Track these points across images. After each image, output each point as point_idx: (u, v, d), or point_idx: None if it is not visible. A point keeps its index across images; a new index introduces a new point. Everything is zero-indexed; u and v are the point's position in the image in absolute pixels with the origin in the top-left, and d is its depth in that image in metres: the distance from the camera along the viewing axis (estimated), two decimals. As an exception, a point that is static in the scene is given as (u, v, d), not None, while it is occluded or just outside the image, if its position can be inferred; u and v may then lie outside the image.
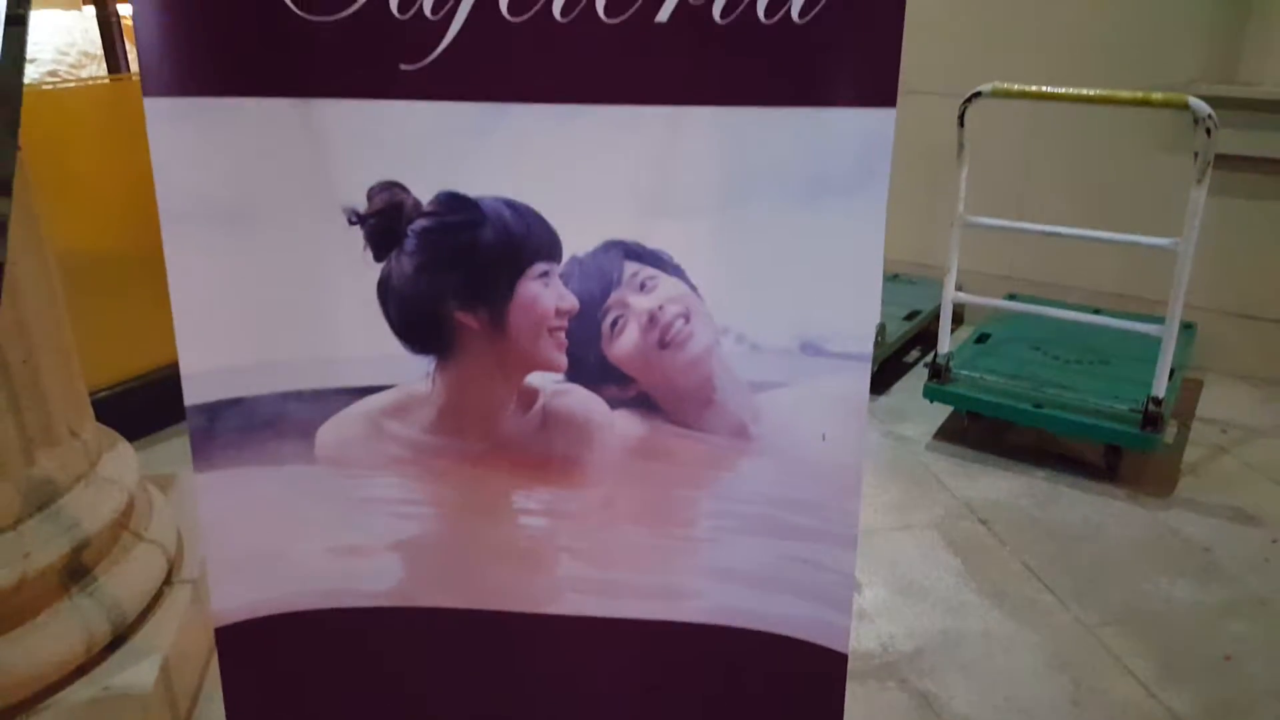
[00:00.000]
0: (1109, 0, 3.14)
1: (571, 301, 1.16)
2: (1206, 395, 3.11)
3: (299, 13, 1.07)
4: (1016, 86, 2.46)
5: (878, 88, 1.05)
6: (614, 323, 1.17)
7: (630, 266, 1.16)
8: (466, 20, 1.07)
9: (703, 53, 1.08)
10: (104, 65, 3.36)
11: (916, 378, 3.20)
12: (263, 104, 1.10)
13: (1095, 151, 3.29)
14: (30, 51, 5.45)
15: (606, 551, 1.23)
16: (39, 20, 5.18)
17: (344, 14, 1.07)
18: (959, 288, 2.79)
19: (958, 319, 3.49)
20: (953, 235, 2.67)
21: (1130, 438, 2.49)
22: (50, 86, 2.93)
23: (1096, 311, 3.07)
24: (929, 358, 2.85)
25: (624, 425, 1.20)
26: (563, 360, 1.18)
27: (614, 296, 1.16)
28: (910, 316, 3.30)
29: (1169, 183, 3.00)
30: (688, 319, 1.16)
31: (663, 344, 1.17)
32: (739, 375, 1.17)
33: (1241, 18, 2.95)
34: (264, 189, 1.14)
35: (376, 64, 1.09)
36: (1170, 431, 2.77)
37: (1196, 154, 2.27)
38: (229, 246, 1.15)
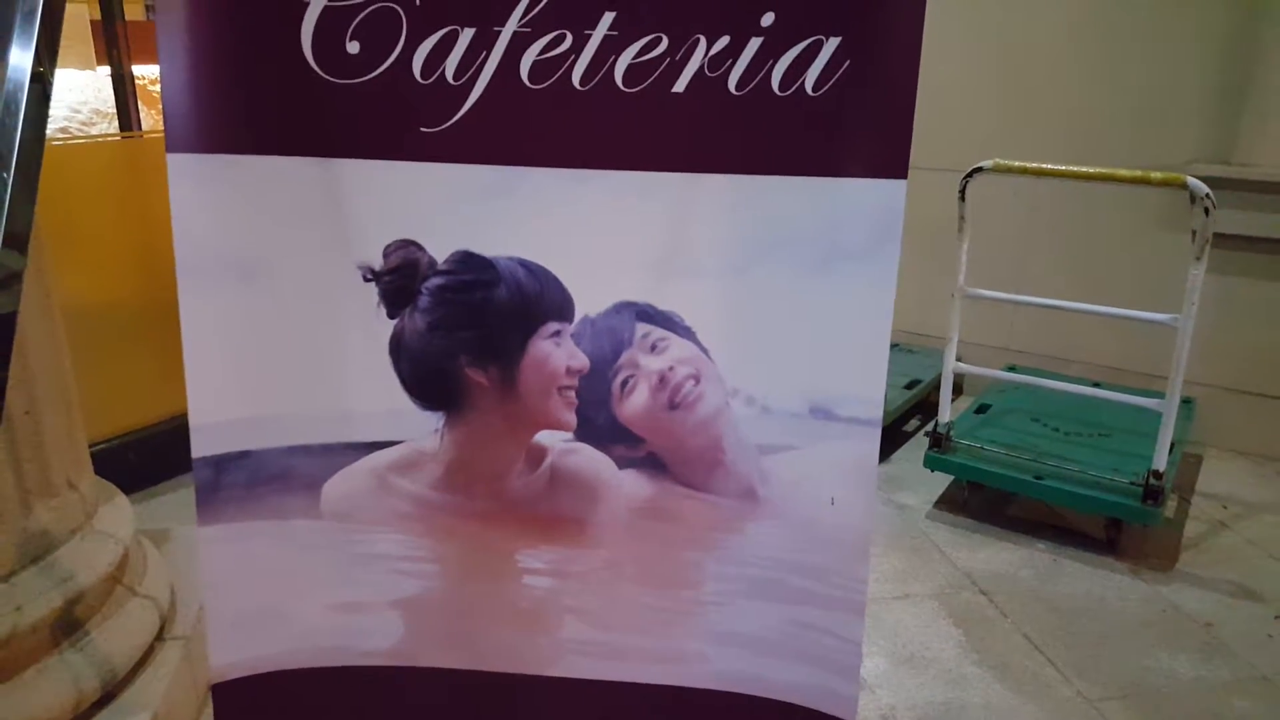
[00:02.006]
0: (1109, 83, 3.24)
1: (582, 361, 1.17)
2: (1206, 470, 3.11)
3: (324, 76, 1.10)
4: (1017, 163, 2.52)
5: (889, 160, 1.08)
6: (624, 383, 1.18)
7: (642, 328, 1.17)
8: (488, 86, 1.10)
9: (718, 121, 1.11)
10: (116, 123, 3.43)
11: (917, 447, 3.20)
12: (284, 162, 1.13)
13: (1095, 227, 3.35)
14: (47, 108, 5.43)
15: (611, 613, 1.22)
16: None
17: (368, 78, 1.10)
18: (959, 358, 2.81)
19: (958, 389, 3.51)
20: (953, 307, 2.70)
21: (1131, 511, 2.48)
22: (61, 143, 2.99)
23: (1096, 385, 3.10)
24: (929, 427, 2.86)
25: (632, 485, 1.20)
26: (572, 419, 1.18)
27: (625, 357, 1.17)
28: (910, 385, 3.32)
29: (1167, 258, 3.06)
30: (698, 380, 1.17)
31: (673, 405, 1.17)
32: (748, 437, 1.18)
33: (1237, 103, 3.04)
34: (281, 245, 1.16)
35: (398, 126, 1.12)
36: (1171, 506, 2.77)
37: (1195, 232, 2.31)
38: (244, 300, 1.17)
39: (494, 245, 1.16)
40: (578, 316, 1.17)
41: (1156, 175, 2.36)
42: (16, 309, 1.15)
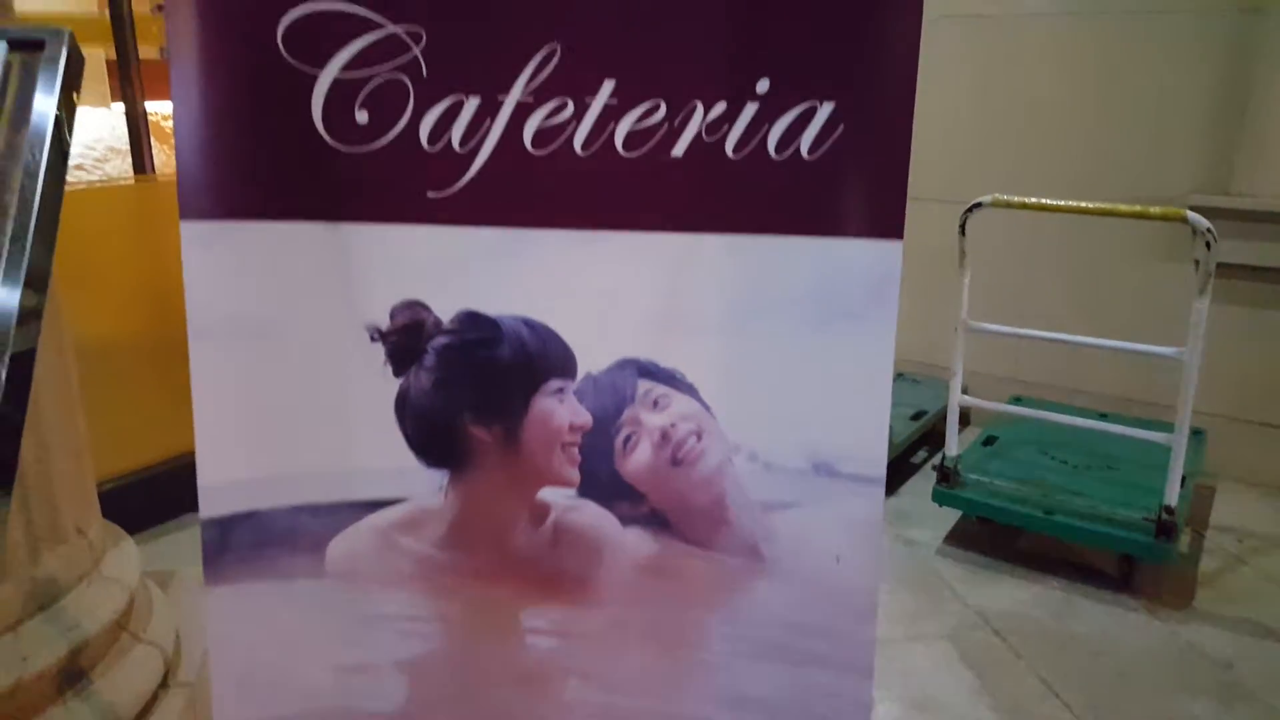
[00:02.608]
0: (1106, 112, 3.25)
1: (585, 417, 1.18)
2: (1219, 503, 3.08)
3: (333, 144, 1.12)
4: (1016, 199, 2.52)
5: (885, 220, 1.09)
6: (627, 439, 1.18)
7: (644, 384, 1.18)
8: (492, 153, 1.12)
9: (716, 184, 1.12)
10: (129, 159, 3.48)
11: (924, 479, 3.19)
12: (294, 227, 1.14)
13: (1097, 256, 3.35)
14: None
15: (616, 675, 1.21)
16: (69, 116, 5.39)
17: (376, 145, 1.12)
18: (965, 390, 2.80)
19: (964, 419, 3.49)
20: (956, 340, 2.70)
21: (1144, 548, 2.46)
22: (76, 187, 3.03)
23: (1104, 416, 3.08)
24: (937, 459, 2.85)
25: (635, 543, 1.20)
26: (575, 475, 1.19)
27: (627, 413, 1.18)
28: (917, 416, 3.31)
29: (1171, 287, 3.05)
30: (700, 437, 1.17)
31: (675, 461, 1.18)
32: (751, 494, 1.18)
33: (1235, 132, 3.05)
34: (290, 307, 1.17)
35: (405, 190, 1.14)
36: (1184, 540, 2.74)
37: (1197, 262, 2.31)
38: (253, 362, 1.18)
39: (498, 304, 1.17)
40: (580, 373, 1.18)
41: (1156, 210, 2.37)
42: (35, 346, 1.16)
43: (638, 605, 1.20)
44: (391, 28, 1.10)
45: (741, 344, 1.16)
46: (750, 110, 1.09)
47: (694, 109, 1.10)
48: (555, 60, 1.10)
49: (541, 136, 1.12)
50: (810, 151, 1.09)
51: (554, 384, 1.18)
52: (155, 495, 2.89)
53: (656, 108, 1.10)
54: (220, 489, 1.20)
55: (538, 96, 1.11)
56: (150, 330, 2.90)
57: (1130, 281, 3.30)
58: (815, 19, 1.08)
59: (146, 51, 3.44)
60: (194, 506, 1.22)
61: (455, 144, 1.12)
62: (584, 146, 1.12)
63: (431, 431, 1.20)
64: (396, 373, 1.19)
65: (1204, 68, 3.04)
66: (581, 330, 1.17)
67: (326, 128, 1.11)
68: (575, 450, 1.18)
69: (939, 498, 2.75)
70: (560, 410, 1.18)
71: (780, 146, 1.10)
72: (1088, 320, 3.28)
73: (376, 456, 1.20)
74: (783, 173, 1.10)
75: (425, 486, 1.21)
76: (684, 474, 1.18)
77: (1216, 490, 3.16)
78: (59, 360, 1.80)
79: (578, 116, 1.11)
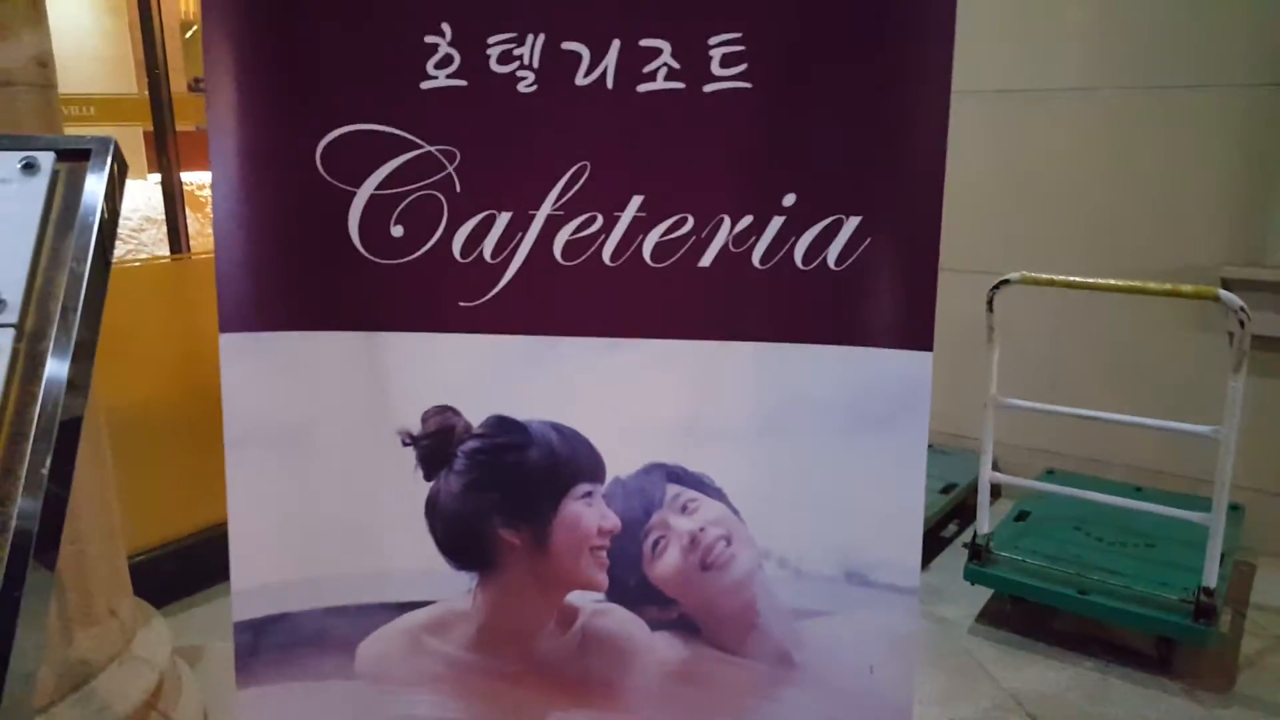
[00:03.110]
0: (1135, 184, 3.26)
1: (614, 521, 1.18)
2: (1260, 580, 3.00)
3: (369, 257, 1.15)
4: (1044, 276, 2.52)
5: (913, 331, 1.10)
6: (656, 544, 1.18)
7: (672, 489, 1.18)
8: (523, 264, 1.15)
9: (744, 294, 1.14)
10: (164, 229, 3.59)
11: (955, 554, 3.14)
12: (330, 337, 1.17)
13: (1127, 328, 3.32)
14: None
15: (645, 787, 1.20)
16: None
17: (411, 258, 1.16)
18: (996, 465, 2.77)
19: (995, 492, 3.45)
20: (986, 416, 2.68)
21: (1182, 630, 2.40)
22: (116, 265, 3.11)
23: (1138, 489, 3.03)
24: (967, 534, 2.81)
25: (664, 648, 1.19)
26: (604, 579, 1.19)
27: (656, 518, 1.18)
28: (947, 489, 3.27)
29: (1204, 359, 3.02)
30: (729, 542, 1.17)
31: (704, 566, 1.18)
32: (781, 601, 1.17)
33: (1265, 205, 3.04)
34: (324, 414, 1.20)
35: (438, 301, 1.17)
36: (1224, 620, 2.66)
37: (1231, 335, 2.28)
38: (287, 468, 1.20)
39: (527, 409, 1.19)
40: (609, 478, 1.19)
41: (1188, 288, 2.35)
42: (82, 415, 1.18)
43: (666, 711, 1.19)
44: (427, 147, 1.14)
45: (770, 449, 1.17)
46: (777, 223, 1.12)
47: (721, 222, 1.13)
48: (585, 177, 1.13)
49: (571, 248, 1.15)
50: (837, 263, 1.11)
51: (582, 488, 1.19)
52: (187, 566, 2.91)
53: (684, 221, 1.13)
54: (253, 592, 1.22)
55: (568, 211, 1.14)
56: (181, 404, 2.95)
57: (1162, 353, 3.26)
58: (841, 136, 1.10)
59: (183, 125, 3.56)
60: (225, 576, 1.23)
61: (487, 256, 1.15)
62: (613, 258, 1.14)
63: (461, 534, 1.21)
64: (427, 476, 1.20)
65: (1233, 141, 3.05)
66: (610, 435, 1.19)
67: (363, 242, 1.15)
68: (604, 554, 1.18)
69: (971, 575, 2.70)
70: (589, 514, 1.18)
71: (807, 258, 1.11)
72: (1120, 392, 3.25)
73: (406, 559, 1.21)
74: (810, 283, 1.12)
75: (454, 589, 1.22)
76: (713, 579, 1.17)
77: (1257, 567, 3.08)
78: (94, 443, 1.84)
79: (607, 229, 1.14)
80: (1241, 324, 2.26)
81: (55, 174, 1.33)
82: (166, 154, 3.34)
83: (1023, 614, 2.74)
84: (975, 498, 2.73)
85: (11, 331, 1.23)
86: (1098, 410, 2.68)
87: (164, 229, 3.62)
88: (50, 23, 1.84)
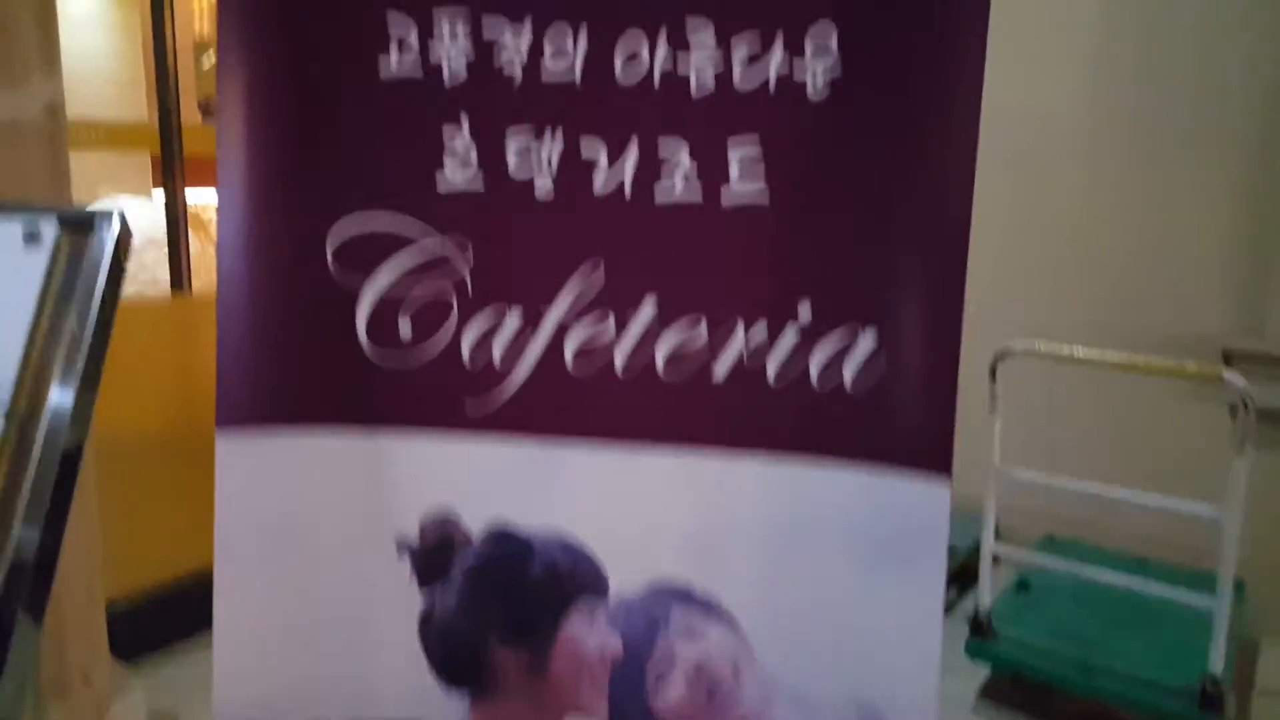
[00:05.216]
0: (1135, 253, 3.24)
1: (616, 646, 1.13)
2: (1265, 661, 2.94)
3: (375, 355, 1.11)
4: (1046, 347, 2.50)
5: (930, 457, 1.06)
6: (660, 671, 1.13)
7: (679, 611, 1.13)
8: (533, 367, 1.11)
9: (756, 409, 1.10)
10: (164, 249, 3.56)
11: (955, 623, 3.08)
12: (331, 437, 1.13)
13: (1128, 396, 3.29)
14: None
15: None
16: (107, 207, 5.55)
17: (418, 357, 1.11)
18: (998, 532, 2.72)
19: (995, 557, 3.40)
20: (988, 488, 2.64)
21: (1187, 718, 2.34)
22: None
23: (1141, 561, 2.98)
24: (966, 601, 2.75)
25: (666, 779, 1.14)
26: (604, 706, 1.14)
27: (661, 643, 1.13)
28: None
29: (1206, 427, 2.98)
30: (737, 671, 1.12)
31: (711, 697, 1.12)
32: (789, 735, 1.12)
33: (1267, 276, 3.03)
34: (320, 516, 1.15)
35: (443, 402, 1.13)
36: (1230, 704, 2.61)
37: (1233, 409, 2.25)
38: (277, 573, 1.15)
39: (531, 517, 1.15)
40: (614, 595, 1.14)
41: (1192, 367, 2.33)
42: (83, 443, 1.13)
43: None
44: (439, 245, 1.10)
45: (782, 572, 1.12)
46: (792, 333, 1.08)
47: (735, 327, 1.09)
48: (598, 274, 1.09)
49: (582, 356, 1.11)
50: (853, 385, 1.07)
51: (584, 606, 1.14)
52: (165, 615, 2.83)
53: (697, 325, 1.09)
54: (238, 701, 1.16)
55: (580, 311, 1.10)
56: (169, 441, 2.89)
57: (1164, 421, 3.23)
58: (859, 248, 1.07)
59: (191, 152, 3.53)
60: (203, 626, 1.17)
61: (496, 357, 1.11)
62: (624, 371, 1.10)
63: (455, 652, 1.16)
64: (423, 588, 1.15)
65: (1235, 211, 3.04)
66: (616, 548, 1.14)
67: (370, 339, 1.11)
68: (605, 679, 1.13)
69: (972, 650, 2.65)
70: (590, 636, 1.13)
71: (823, 379, 1.08)
72: (1121, 460, 3.22)
73: (398, 674, 1.16)
74: (824, 403, 1.08)
75: (446, 709, 1.16)
76: (720, 711, 1.12)
77: (1260, 646, 3.03)
78: (81, 494, 1.78)
79: (619, 334, 1.10)
80: (1245, 406, 2.23)
81: (58, 245, 1.28)
82: (174, 190, 3.31)
83: (1026, 691, 2.68)
84: (973, 561, 2.68)
85: (1, 418, 1.18)
86: (1099, 479, 2.64)
87: (165, 250, 3.60)
88: (64, 46, 1.80)
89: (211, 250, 6.31)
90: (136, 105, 5.85)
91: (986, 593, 2.68)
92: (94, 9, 5.61)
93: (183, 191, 3.16)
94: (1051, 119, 3.38)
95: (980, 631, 2.65)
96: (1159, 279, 3.20)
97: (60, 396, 1.14)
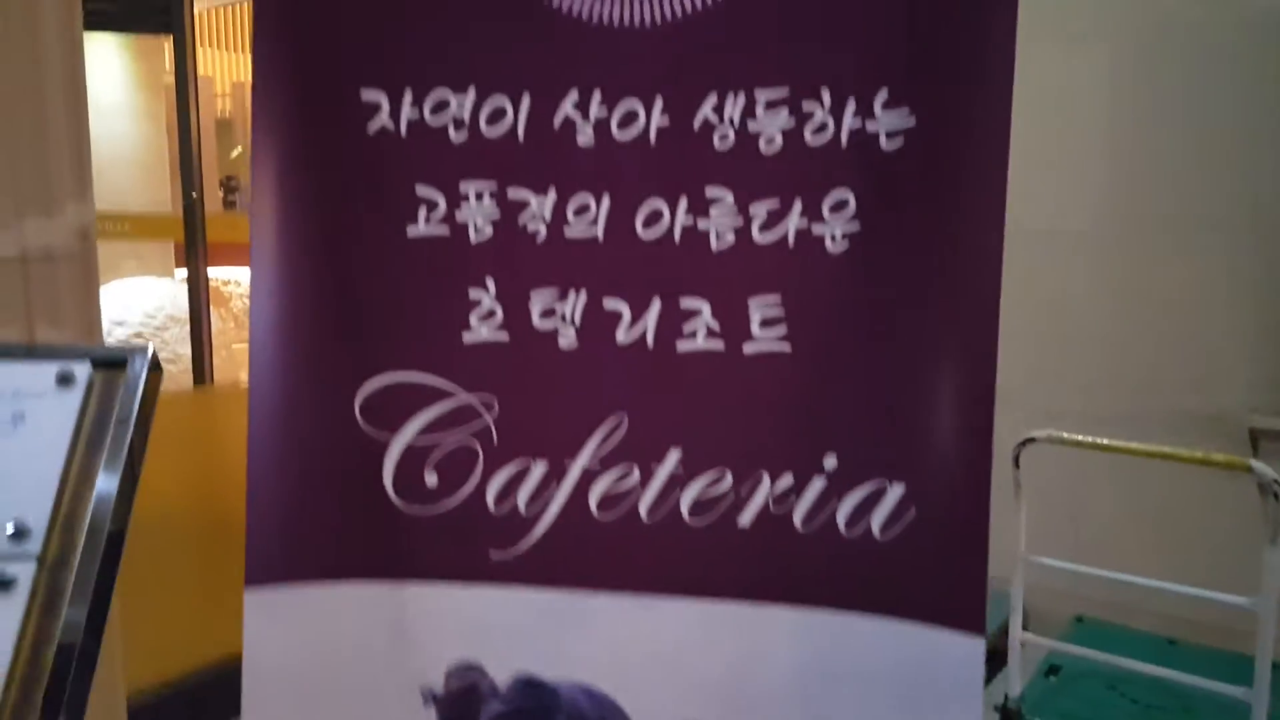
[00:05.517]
0: (1158, 330, 3.23)
1: None
2: (1305, 748, 2.86)
3: (402, 506, 1.13)
4: (1069, 436, 2.48)
5: (963, 614, 1.05)
6: None
7: None
8: (557, 516, 1.12)
9: (784, 556, 1.10)
10: (186, 328, 3.61)
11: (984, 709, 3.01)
12: (357, 588, 1.14)
13: (1155, 477, 3.25)
14: (119, 314, 5.78)
15: None
16: (131, 286, 5.65)
17: (444, 508, 1.13)
18: (1026, 617, 2.68)
19: (1024, 627, 3.34)
20: (1015, 574, 2.60)
21: (1230, 815, 2.27)
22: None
23: (1172, 643, 2.93)
24: (993, 686, 2.70)
25: None
26: None
27: None
28: (973, 635, 3.16)
29: (1236, 509, 2.94)
30: None
31: None
32: None
33: (1288, 350, 3.01)
34: (346, 668, 1.16)
35: (468, 551, 1.14)
36: (1272, 797, 2.53)
37: (1263, 489, 2.22)
38: (304, 722, 1.15)
39: (557, 667, 1.14)
40: (642, 749, 1.13)
41: (1219, 457, 2.31)
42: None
43: None
44: (465, 396, 1.12)
45: (812, 725, 1.11)
46: (818, 484, 1.08)
47: (760, 479, 1.09)
48: (623, 428, 1.11)
49: (607, 502, 1.12)
50: (882, 531, 1.07)
51: (612, 758, 1.13)
52: (193, 706, 2.82)
53: (722, 477, 1.10)
54: None
55: (604, 463, 1.11)
56: (193, 532, 2.91)
57: (1194, 502, 3.19)
58: (882, 399, 1.08)
59: (215, 239, 3.60)
60: (236, 711, 1.16)
61: (521, 507, 1.12)
62: (650, 513, 1.11)
63: (482, 804, 1.14)
64: (449, 739, 1.15)
65: (1259, 289, 3.04)
66: (643, 698, 1.14)
67: (396, 490, 1.13)
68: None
69: (1002, 742, 2.59)
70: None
71: (850, 524, 1.08)
72: (1151, 540, 3.17)
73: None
74: (854, 551, 1.08)
75: None
76: None
77: (1300, 731, 2.94)
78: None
79: (644, 483, 1.11)
80: (1276, 497, 2.21)
81: (90, 384, 1.31)
82: (197, 276, 3.38)
83: (1058, 783, 2.62)
84: (999, 641, 2.64)
85: (33, 565, 1.18)
86: (1128, 558, 2.61)
87: (186, 328, 3.66)
88: (91, 134, 1.84)
89: (231, 325, 6.41)
90: (160, 186, 6.01)
91: (1016, 680, 2.64)
92: (121, 98, 5.79)
93: (206, 288, 3.23)
94: (1061, 191, 3.40)
95: (1011, 721, 2.59)
96: (1183, 358, 3.19)
97: (90, 549, 1.16)
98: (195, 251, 3.34)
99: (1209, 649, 2.87)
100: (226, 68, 8.34)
